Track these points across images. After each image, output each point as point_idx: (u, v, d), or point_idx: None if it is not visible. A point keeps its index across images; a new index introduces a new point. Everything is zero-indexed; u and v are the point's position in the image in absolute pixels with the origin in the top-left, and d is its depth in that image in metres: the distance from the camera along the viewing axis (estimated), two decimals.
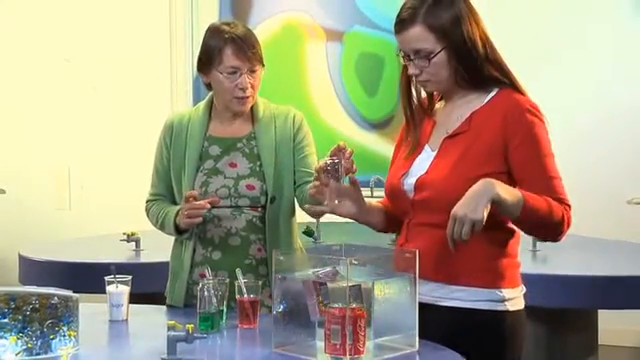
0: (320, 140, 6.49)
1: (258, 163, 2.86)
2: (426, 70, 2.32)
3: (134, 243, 4.17)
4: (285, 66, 6.01)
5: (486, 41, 2.32)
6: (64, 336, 2.29)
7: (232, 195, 2.83)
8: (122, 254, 4.08)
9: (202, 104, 2.95)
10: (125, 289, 2.70)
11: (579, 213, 5.55)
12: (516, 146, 2.28)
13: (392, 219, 2.48)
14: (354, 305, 2.13)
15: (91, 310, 2.65)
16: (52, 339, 2.27)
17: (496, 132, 2.29)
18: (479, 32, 2.31)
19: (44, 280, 3.63)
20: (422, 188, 2.33)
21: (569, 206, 2.31)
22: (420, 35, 2.29)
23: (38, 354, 2.25)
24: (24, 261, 4.11)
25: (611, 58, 5.56)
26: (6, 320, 2.24)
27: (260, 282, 2.65)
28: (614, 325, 4.98)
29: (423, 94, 2.46)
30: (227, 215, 2.83)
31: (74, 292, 2.35)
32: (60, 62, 6.18)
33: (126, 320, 2.68)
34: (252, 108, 2.91)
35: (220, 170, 2.86)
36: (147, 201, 2.98)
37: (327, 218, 2.65)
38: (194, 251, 2.87)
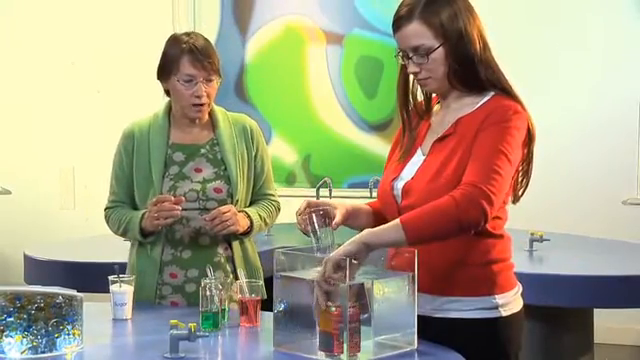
0: (320, 141, 6.54)
1: (222, 167, 2.95)
2: (425, 67, 2.30)
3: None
4: (286, 68, 6.04)
5: (481, 39, 2.30)
6: (68, 335, 2.31)
7: (200, 198, 2.92)
8: (125, 254, 4.09)
9: (160, 112, 3.02)
10: (128, 288, 2.73)
11: (576, 213, 5.61)
12: (482, 131, 2.24)
13: (381, 219, 2.39)
14: (356, 304, 2.15)
15: (95, 309, 2.68)
16: (57, 338, 2.29)
17: (475, 130, 2.26)
18: (476, 29, 2.30)
19: (49, 279, 3.65)
20: (408, 194, 2.32)
21: (490, 201, 2.16)
22: (418, 31, 2.27)
23: (43, 352, 2.27)
24: (29, 261, 4.12)
25: (607, 59, 5.56)
26: (12, 319, 2.26)
27: (229, 279, 2.75)
28: (610, 324, 5.01)
29: (419, 97, 2.45)
30: (195, 216, 2.92)
31: (78, 291, 2.37)
32: (65, 65, 6.22)
33: (129, 319, 2.72)
34: (211, 116, 3.00)
35: (186, 175, 2.94)
36: (106, 208, 3.04)
37: None
38: (162, 251, 2.94)
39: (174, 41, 2.93)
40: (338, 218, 2.33)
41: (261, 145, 3.06)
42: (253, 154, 3.02)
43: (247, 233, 2.96)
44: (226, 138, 2.98)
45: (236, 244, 2.98)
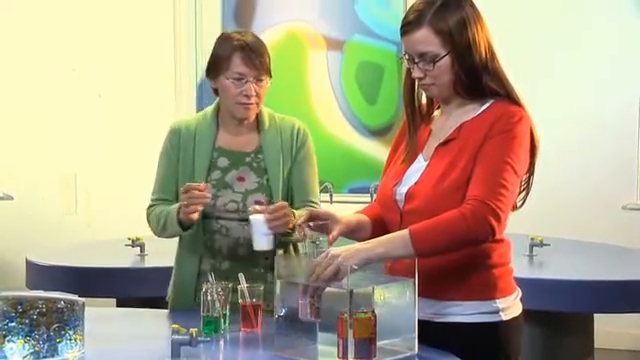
0: (321, 147, 6.54)
1: (265, 177, 2.88)
2: (430, 74, 2.30)
3: (139, 248, 4.18)
4: (287, 74, 6.04)
5: (488, 49, 2.31)
6: (70, 340, 2.31)
7: (240, 210, 2.85)
8: (127, 259, 4.09)
9: (209, 111, 2.95)
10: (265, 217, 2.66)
11: (576, 218, 5.60)
12: (489, 140, 2.26)
13: (379, 229, 2.42)
14: (371, 310, 2.17)
15: (96, 314, 2.67)
16: (58, 343, 2.30)
17: (482, 135, 2.27)
18: (484, 38, 2.30)
19: (50, 285, 3.64)
20: (412, 198, 2.33)
21: (498, 217, 2.20)
22: (426, 38, 2.28)
23: (45, 357, 2.28)
24: (31, 266, 4.11)
25: (608, 63, 5.55)
26: (14, 324, 2.27)
27: (262, 287, 2.65)
28: (610, 328, 5.01)
29: (423, 100, 2.45)
30: (235, 226, 2.86)
31: (80, 296, 2.37)
32: (67, 71, 6.24)
33: (271, 250, 2.68)
34: (257, 119, 2.93)
35: (229, 184, 2.87)
36: (149, 206, 2.95)
37: None
38: (201, 260, 2.88)
39: (226, 39, 2.88)
40: (335, 233, 2.35)
41: (305, 150, 2.95)
42: (297, 162, 2.92)
43: (288, 234, 2.80)
44: (271, 145, 2.90)
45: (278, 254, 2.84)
